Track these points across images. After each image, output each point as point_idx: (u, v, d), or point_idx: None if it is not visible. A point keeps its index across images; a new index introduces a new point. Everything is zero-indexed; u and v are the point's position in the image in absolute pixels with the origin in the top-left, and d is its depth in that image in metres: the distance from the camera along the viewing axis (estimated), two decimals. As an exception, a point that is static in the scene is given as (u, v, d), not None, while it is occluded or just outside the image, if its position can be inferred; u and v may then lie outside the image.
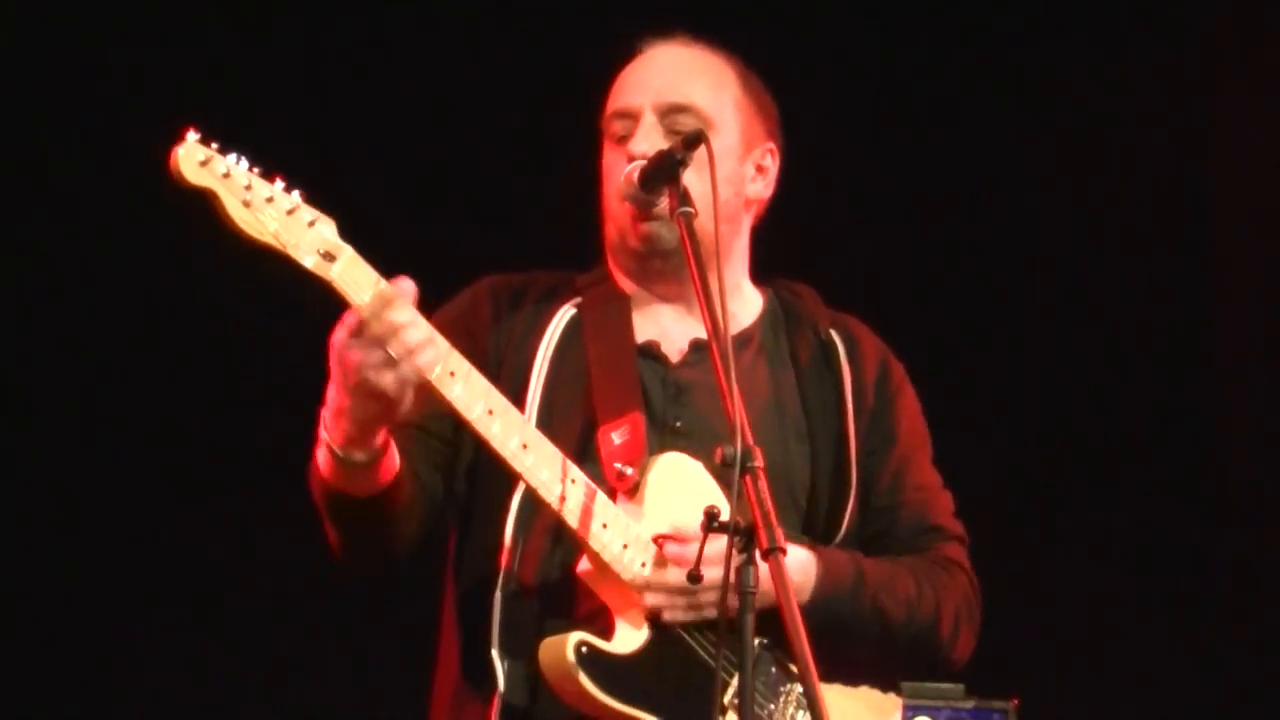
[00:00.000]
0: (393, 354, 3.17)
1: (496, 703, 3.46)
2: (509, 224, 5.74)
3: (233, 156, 3.11)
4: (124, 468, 5.62)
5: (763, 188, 3.82)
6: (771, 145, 3.83)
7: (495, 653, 3.47)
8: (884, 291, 5.85)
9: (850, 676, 3.61)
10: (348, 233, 3.23)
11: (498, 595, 3.51)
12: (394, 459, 3.39)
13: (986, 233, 6.26)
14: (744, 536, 3.06)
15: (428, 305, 3.39)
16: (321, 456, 3.36)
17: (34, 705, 5.52)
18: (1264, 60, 6.13)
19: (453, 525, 3.68)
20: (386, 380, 3.19)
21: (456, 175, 5.82)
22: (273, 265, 3.16)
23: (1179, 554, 6.14)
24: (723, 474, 3.34)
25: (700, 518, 3.43)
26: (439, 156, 5.81)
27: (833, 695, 3.51)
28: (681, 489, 3.51)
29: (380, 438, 3.31)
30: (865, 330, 3.86)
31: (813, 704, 2.96)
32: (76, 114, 5.45)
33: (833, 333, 3.80)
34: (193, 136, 3.09)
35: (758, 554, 3.05)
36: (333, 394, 3.27)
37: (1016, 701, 5.09)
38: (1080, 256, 6.30)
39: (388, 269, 3.26)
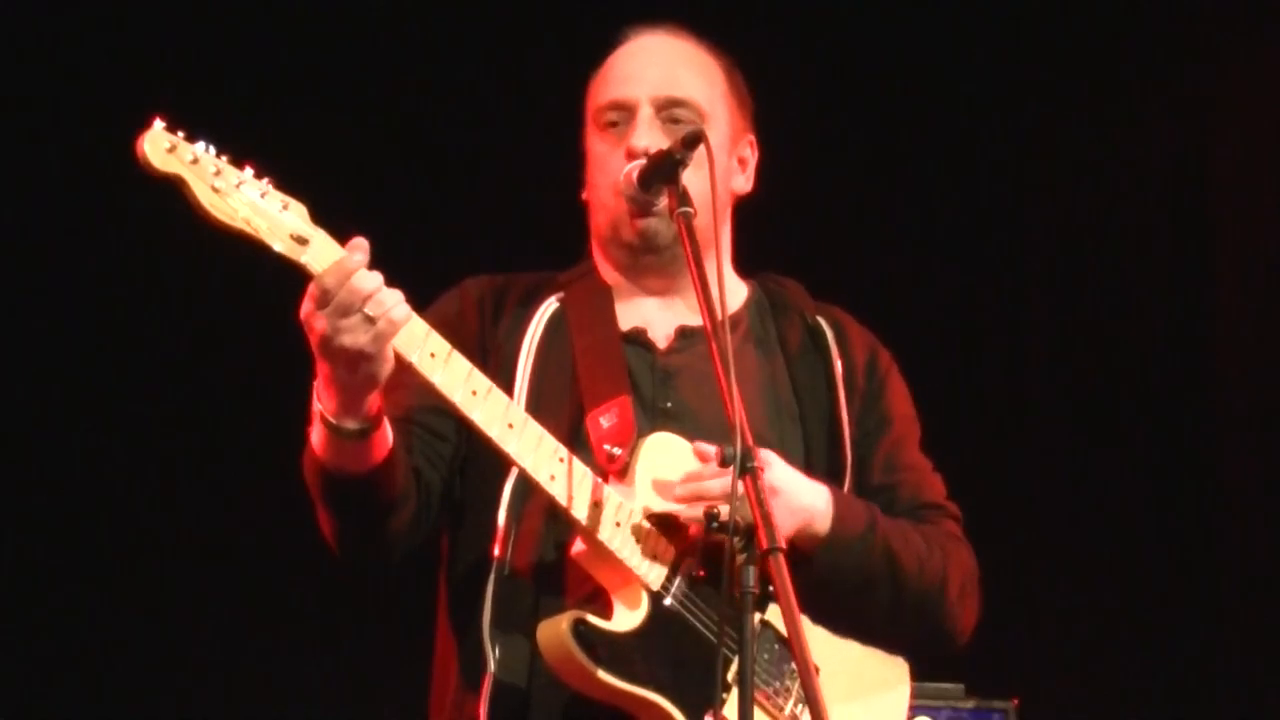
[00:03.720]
0: (369, 313, 3.18)
1: (487, 685, 3.46)
2: (491, 219, 5.75)
3: (201, 144, 3.09)
4: (121, 464, 5.63)
5: (744, 181, 3.81)
6: (751, 137, 3.82)
7: (487, 638, 3.46)
8: (881, 289, 5.87)
9: (862, 632, 3.61)
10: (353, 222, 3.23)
11: (491, 581, 3.49)
12: (387, 435, 3.36)
13: (985, 232, 6.28)
14: (744, 536, 3.05)
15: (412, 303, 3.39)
16: (315, 435, 3.34)
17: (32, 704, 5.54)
18: (1266, 62, 6.14)
19: (444, 524, 3.66)
20: (363, 339, 3.18)
21: (443, 170, 5.85)
22: (248, 252, 3.14)
23: (1179, 554, 6.14)
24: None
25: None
26: (426, 151, 5.84)
27: (840, 654, 3.53)
28: (672, 467, 3.49)
29: (371, 405, 3.30)
30: (851, 319, 3.86)
31: (812, 704, 2.95)
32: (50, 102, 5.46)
33: (820, 320, 3.79)
34: (159, 124, 3.06)
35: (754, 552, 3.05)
36: (319, 364, 3.27)
37: (1016, 701, 5.11)
38: (1080, 256, 6.31)
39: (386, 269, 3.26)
